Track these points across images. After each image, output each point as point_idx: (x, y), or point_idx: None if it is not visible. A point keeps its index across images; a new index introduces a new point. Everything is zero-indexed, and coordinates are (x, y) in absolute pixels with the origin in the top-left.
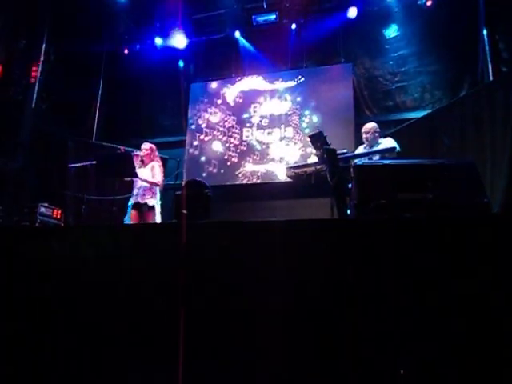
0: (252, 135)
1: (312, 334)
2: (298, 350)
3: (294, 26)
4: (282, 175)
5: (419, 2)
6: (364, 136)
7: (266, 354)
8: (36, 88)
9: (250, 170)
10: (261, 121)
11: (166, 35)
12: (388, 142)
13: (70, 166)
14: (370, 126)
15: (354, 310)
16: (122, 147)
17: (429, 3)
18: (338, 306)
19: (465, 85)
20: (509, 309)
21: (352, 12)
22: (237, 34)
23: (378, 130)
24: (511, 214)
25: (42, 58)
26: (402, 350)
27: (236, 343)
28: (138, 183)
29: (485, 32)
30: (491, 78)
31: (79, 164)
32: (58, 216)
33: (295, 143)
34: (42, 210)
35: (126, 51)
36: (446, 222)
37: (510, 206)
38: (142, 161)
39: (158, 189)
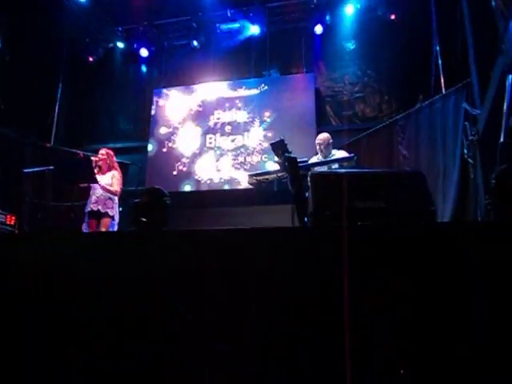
0: (215, 141)
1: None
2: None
3: (254, 31)
4: (244, 182)
5: (379, 14)
6: (318, 147)
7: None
8: None
9: (213, 177)
10: (224, 127)
11: (128, 40)
12: (341, 154)
13: (25, 171)
14: (323, 136)
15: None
16: (80, 152)
17: (392, 17)
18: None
19: (420, 97)
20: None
21: (318, 29)
22: (197, 43)
23: (331, 140)
24: (460, 222)
25: None
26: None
27: None
28: (98, 190)
29: (438, 48)
30: (443, 91)
31: (36, 169)
32: (12, 222)
33: (257, 150)
34: None
35: (88, 55)
36: (393, 232)
37: (460, 214)
38: (100, 167)
39: (116, 197)
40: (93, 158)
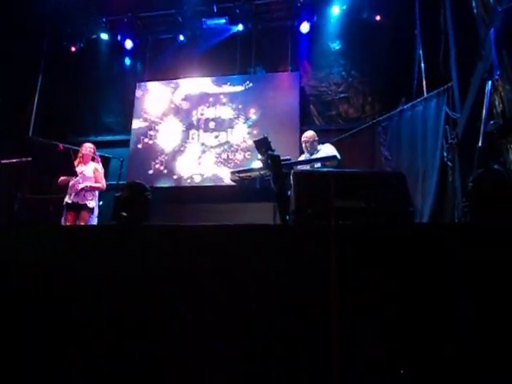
0: (198, 137)
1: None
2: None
3: (240, 27)
4: (227, 178)
5: (364, 16)
6: (303, 145)
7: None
8: None
9: (195, 173)
10: (208, 123)
11: (112, 31)
12: (326, 148)
13: (2, 161)
14: (308, 134)
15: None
16: (60, 144)
17: (377, 19)
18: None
19: (402, 99)
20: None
21: (304, 27)
22: (182, 38)
23: (317, 138)
24: (438, 223)
25: None
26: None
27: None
28: (77, 182)
29: (420, 52)
30: (425, 94)
31: (13, 160)
32: None
33: (241, 147)
34: None
35: (70, 46)
36: (373, 231)
37: (438, 216)
38: (81, 157)
39: (97, 191)
40: (83, 152)
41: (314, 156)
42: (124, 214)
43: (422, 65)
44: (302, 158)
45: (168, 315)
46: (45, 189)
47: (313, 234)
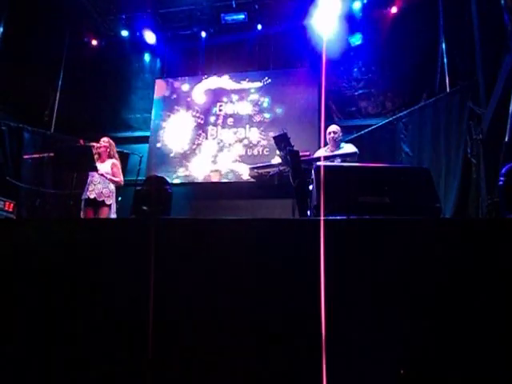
0: (217, 133)
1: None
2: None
3: (262, 23)
4: (245, 175)
5: (385, 9)
6: (328, 136)
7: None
8: None
9: (214, 169)
10: (226, 120)
11: (131, 28)
12: (349, 148)
13: (24, 157)
14: (336, 128)
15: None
16: (81, 140)
17: (394, 11)
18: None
19: (424, 95)
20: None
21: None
22: (203, 34)
23: (342, 133)
24: (463, 219)
25: None
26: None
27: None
28: (95, 178)
29: (444, 46)
30: (448, 89)
31: (35, 155)
32: (10, 209)
33: (259, 143)
34: None
35: (91, 42)
36: (401, 225)
37: (461, 213)
38: (99, 154)
39: (114, 187)
40: (94, 144)
41: (336, 152)
42: (144, 207)
43: (445, 59)
44: (322, 151)
45: (190, 310)
46: (66, 184)
47: (332, 227)
